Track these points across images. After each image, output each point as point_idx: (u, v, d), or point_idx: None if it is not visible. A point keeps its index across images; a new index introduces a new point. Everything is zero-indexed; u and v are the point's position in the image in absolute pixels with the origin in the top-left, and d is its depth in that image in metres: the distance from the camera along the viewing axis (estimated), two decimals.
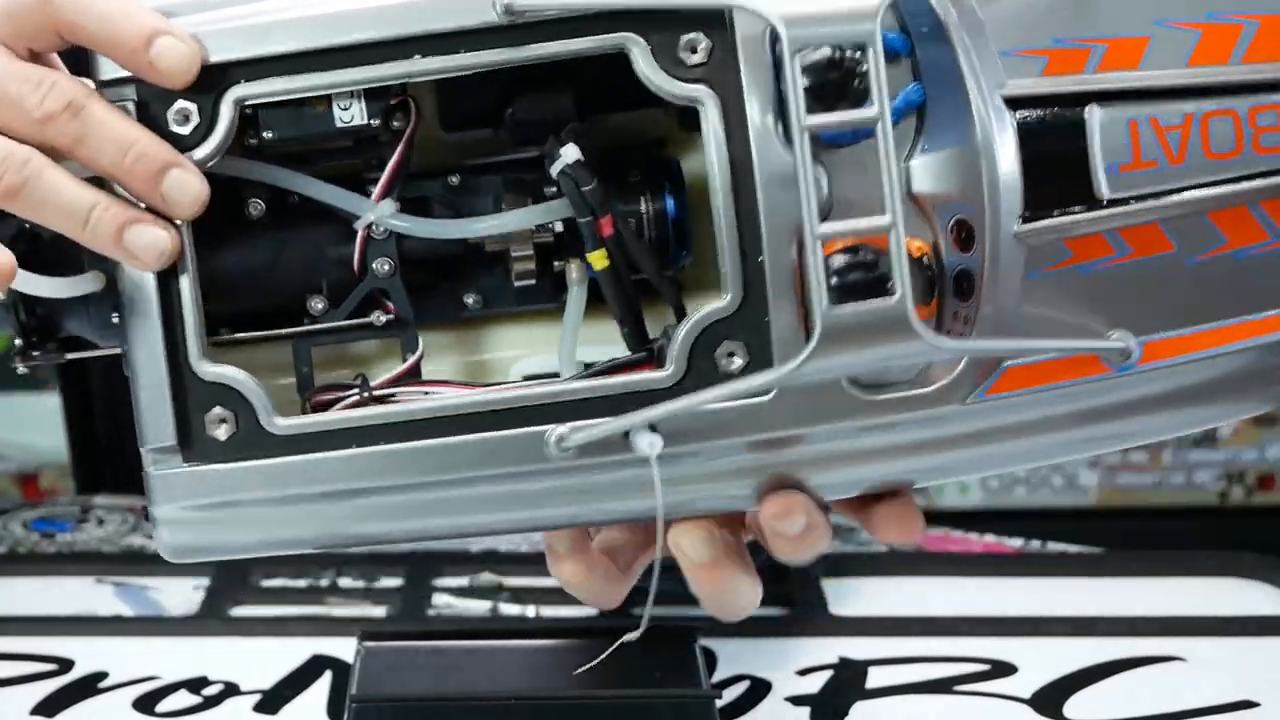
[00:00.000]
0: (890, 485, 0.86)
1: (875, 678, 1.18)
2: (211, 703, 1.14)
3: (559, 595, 1.26)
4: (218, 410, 0.83)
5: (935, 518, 1.81)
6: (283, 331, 0.87)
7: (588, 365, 0.86)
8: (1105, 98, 0.80)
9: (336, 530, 0.85)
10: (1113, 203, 0.80)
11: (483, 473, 0.83)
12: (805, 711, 1.14)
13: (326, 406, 0.85)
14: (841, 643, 1.22)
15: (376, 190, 0.85)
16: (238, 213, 0.86)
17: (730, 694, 1.15)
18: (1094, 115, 0.79)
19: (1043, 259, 0.80)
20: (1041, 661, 1.19)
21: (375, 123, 0.83)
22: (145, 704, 1.14)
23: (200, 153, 0.81)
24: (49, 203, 0.80)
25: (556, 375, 0.87)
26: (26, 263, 0.83)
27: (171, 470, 0.84)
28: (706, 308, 0.81)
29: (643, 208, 0.85)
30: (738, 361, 0.81)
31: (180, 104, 0.81)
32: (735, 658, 1.19)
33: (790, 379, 0.79)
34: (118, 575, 1.34)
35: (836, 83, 0.75)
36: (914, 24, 0.80)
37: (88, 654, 1.20)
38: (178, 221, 0.82)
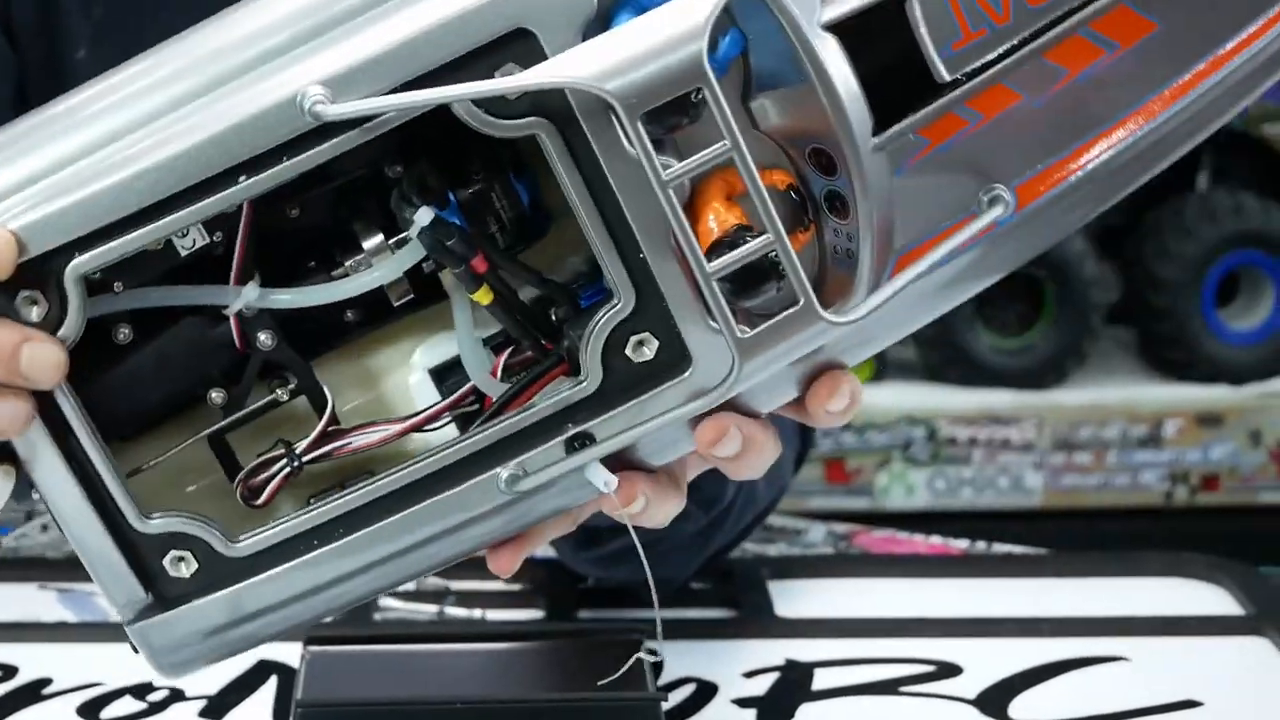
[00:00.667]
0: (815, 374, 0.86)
1: (821, 679, 1.18)
2: (156, 709, 1.14)
3: (506, 599, 1.28)
4: (174, 553, 0.84)
5: (881, 519, 1.82)
6: (193, 439, 0.87)
7: (487, 340, 0.87)
8: None
9: (315, 614, 0.87)
10: (954, 83, 0.81)
11: (441, 527, 0.85)
12: (752, 713, 1.14)
13: (263, 487, 0.86)
14: (788, 645, 1.23)
15: (232, 276, 0.84)
16: (106, 343, 0.85)
17: (676, 697, 1.15)
18: (914, 8, 0.80)
19: (903, 156, 0.81)
20: (987, 662, 1.20)
21: (218, 237, 0.83)
22: (89, 710, 1.14)
23: (63, 333, 0.80)
24: None
25: (459, 365, 0.87)
26: None
27: (148, 622, 0.85)
28: (606, 312, 0.82)
29: (496, 204, 0.84)
30: (647, 352, 0.82)
31: (23, 293, 0.79)
32: (681, 660, 1.19)
33: (728, 392, 0.82)
34: (61, 581, 1.33)
35: (674, 105, 0.77)
36: None
37: (31, 660, 1.19)
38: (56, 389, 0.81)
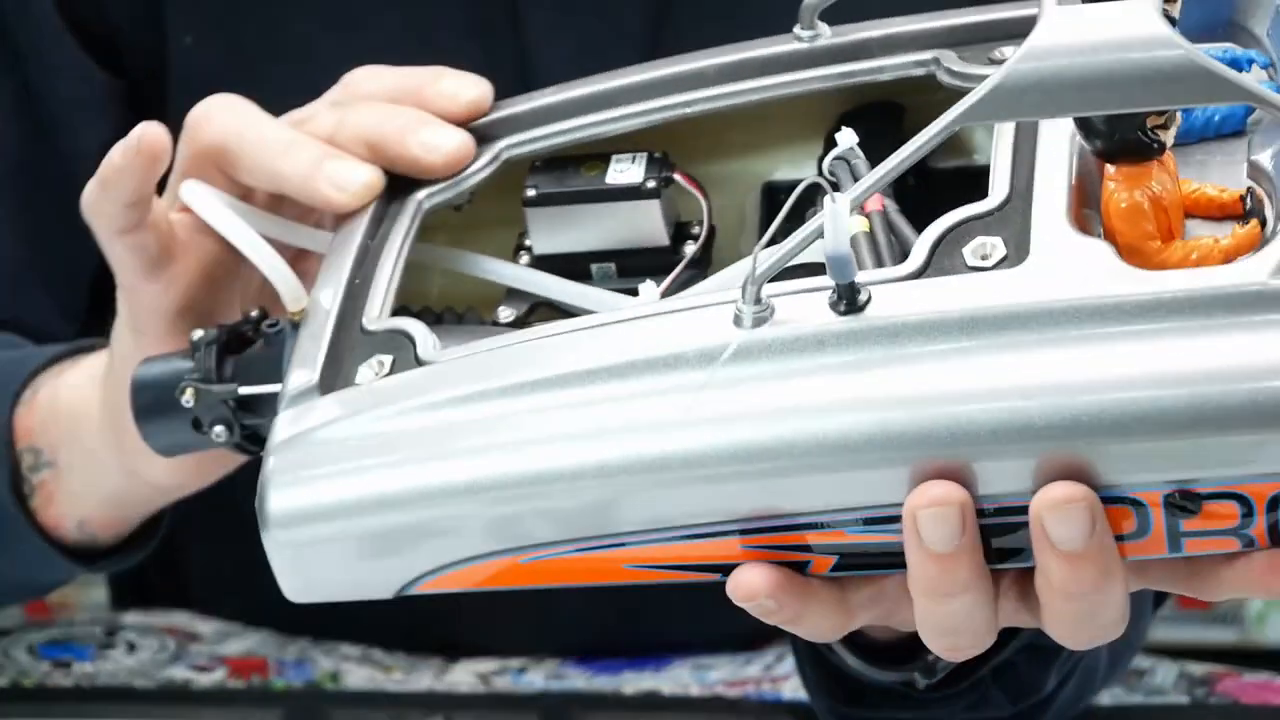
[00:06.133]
0: None
1: None
2: None
3: None
4: (377, 358, 0.80)
5: (1256, 658, 1.61)
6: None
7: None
8: None
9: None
10: None
11: None
12: None
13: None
14: None
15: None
16: None
17: None
18: None
19: None
20: None
21: (651, 183, 0.84)
22: None
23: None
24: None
25: None
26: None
27: (305, 402, 0.79)
28: (964, 210, 0.78)
29: None
30: (992, 258, 0.76)
31: None
32: None
33: None
34: (153, 718, 1.24)
35: None
36: None
37: None
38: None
